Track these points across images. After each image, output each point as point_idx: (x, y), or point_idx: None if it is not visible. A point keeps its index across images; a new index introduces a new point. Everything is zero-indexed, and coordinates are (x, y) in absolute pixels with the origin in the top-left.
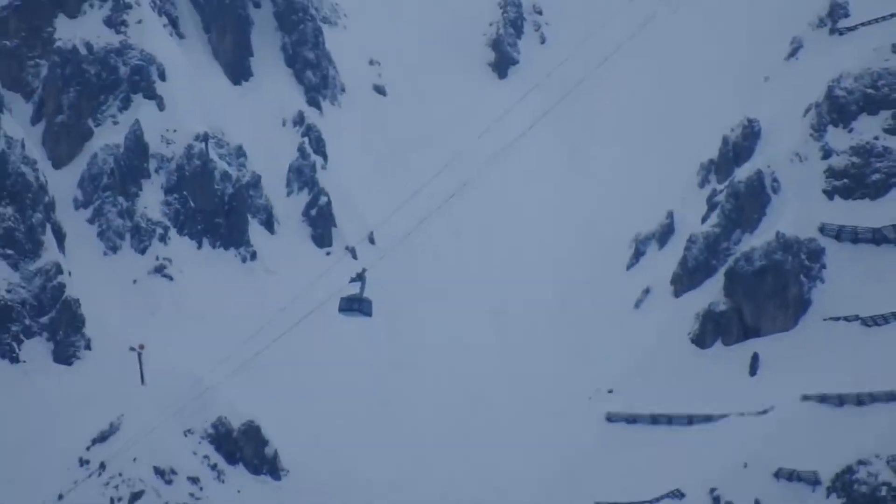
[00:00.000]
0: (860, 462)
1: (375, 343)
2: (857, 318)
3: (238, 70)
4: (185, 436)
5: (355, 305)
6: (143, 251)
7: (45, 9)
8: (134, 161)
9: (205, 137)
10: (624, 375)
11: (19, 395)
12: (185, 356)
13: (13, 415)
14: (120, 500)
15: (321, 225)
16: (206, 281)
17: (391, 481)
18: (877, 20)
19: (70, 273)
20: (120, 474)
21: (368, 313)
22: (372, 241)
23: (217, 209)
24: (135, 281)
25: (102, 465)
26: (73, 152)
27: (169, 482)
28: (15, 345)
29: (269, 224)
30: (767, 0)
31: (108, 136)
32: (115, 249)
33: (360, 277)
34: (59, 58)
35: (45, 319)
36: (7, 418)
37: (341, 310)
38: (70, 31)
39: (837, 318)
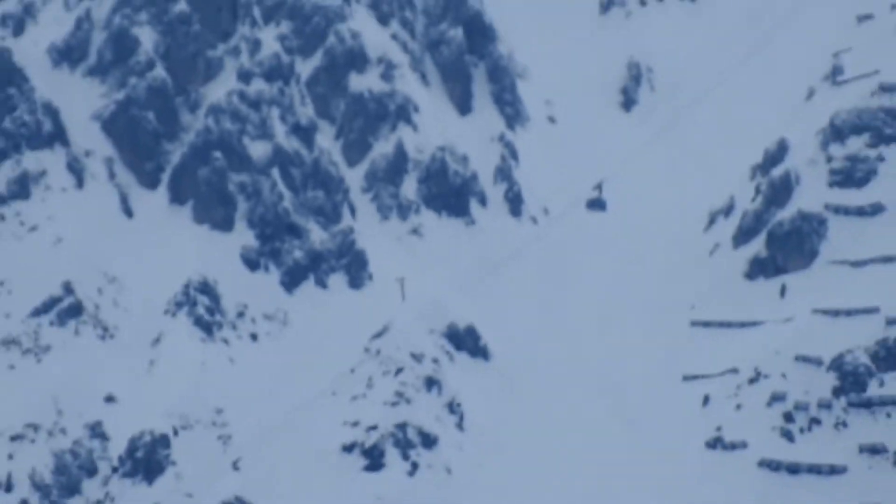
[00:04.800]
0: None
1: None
2: (847, 262)
3: None
4: (430, 333)
5: None
6: (404, 219)
7: None
8: None
9: None
10: (703, 293)
11: (326, 309)
12: (430, 284)
13: (321, 322)
14: (388, 372)
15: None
16: (443, 235)
17: (568, 363)
18: (861, 76)
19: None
20: (389, 357)
21: None
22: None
23: None
24: (398, 238)
25: (378, 351)
26: None
27: (419, 361)
28: (324, 277)
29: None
30: (793, 63)
31: None
32: (386, 217)
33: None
34: None
35: (343, 261)
36: (316, 324)
37: None
38: None
39: (836, 262)
